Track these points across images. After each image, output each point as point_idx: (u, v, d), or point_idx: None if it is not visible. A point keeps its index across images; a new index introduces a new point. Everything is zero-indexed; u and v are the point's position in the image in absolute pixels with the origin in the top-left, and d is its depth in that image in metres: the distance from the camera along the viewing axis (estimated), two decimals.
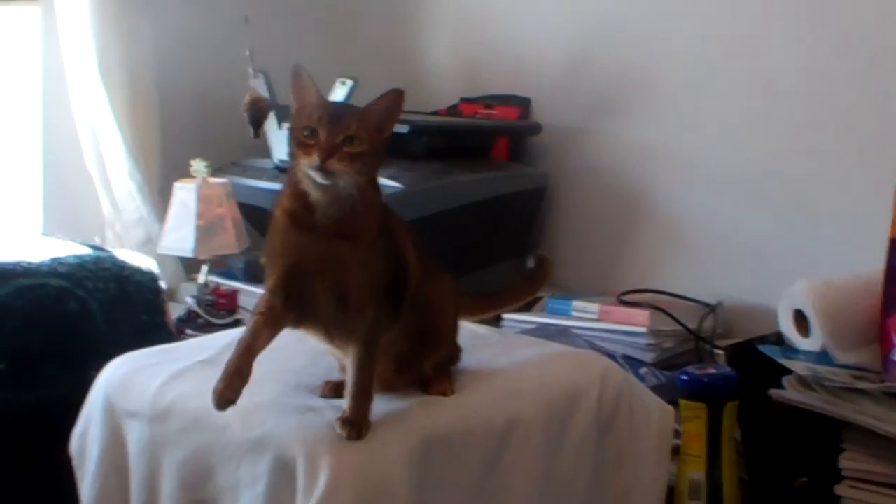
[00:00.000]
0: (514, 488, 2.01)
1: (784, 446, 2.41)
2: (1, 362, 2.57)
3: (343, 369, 2.02)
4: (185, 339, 2.87)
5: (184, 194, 3.05)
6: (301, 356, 2.11)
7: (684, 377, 2.39)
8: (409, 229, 2.02)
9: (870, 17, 2.80)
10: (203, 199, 3.04)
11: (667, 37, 3.23)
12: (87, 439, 2.18)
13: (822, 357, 2.43)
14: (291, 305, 1.86)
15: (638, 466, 2.19)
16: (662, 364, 2.82)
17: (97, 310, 2.64)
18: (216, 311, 3.06)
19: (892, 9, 2.75)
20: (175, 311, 2.96)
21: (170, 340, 2.67)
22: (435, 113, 3.61)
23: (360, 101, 1.89)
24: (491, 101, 3.62)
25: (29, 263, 2.61)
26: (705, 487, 2.34)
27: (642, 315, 2.87)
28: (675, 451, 2.35)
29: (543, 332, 2.80)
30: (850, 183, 2.85)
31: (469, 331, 2.22)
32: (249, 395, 1.91)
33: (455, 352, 2.13)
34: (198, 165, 3.07)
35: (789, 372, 2.36)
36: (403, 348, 2.00)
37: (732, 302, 3.04)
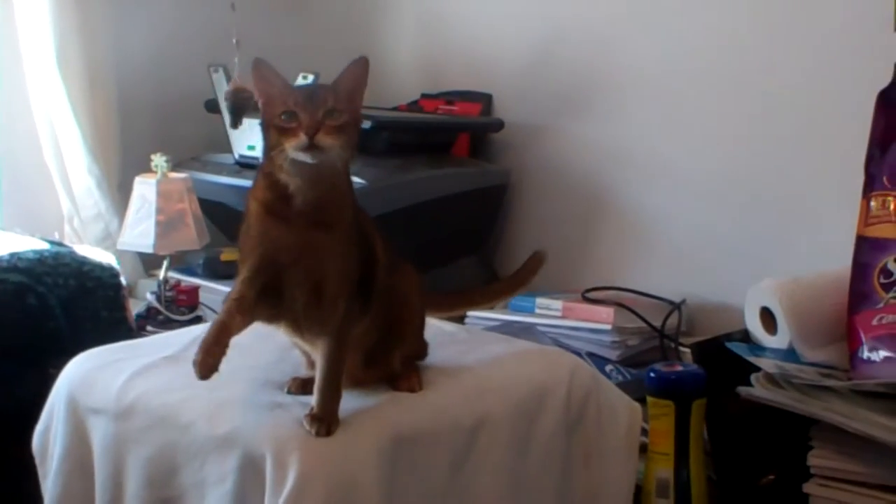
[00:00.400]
0: (482, 486, 2.00)
1: (751, 444, 2.41)
2: None
3: (311, 365, 2.00)
4: (145, 335, 2.84)
5: (144, 189, 3.02)
6: (268, 353, 2.09)
7: (652, 374, 2.38)
8: (374, 222, 2.01)
9: (836, 15, 2.79)
10: (163, 195, 3.01)
11: (630, 34, 3.22)
12: (49, 437, 2.15)
13: (789, 355, 2.42)
14: (264, 298, 1.84)
15: (606, 464, 2.18)
16: (627, 361, 2.82)
17: (57, 306, 2.61)
18: (177, 307, 3.03)
19: (857, 8, 2.74)
20: (134, 308, 2.92)
21: (130, 337, 2.65)
22: (395, 109, 3.59)
23: None
24: (452, 97, 3.60)
25: None
26: (673, 485, 2.33)
27: (606, 312, 2.86)
28: (643, 449, 2.33)
29: (508, 329, 2.78)
30: (816, 181, 2.85)
31: (435, 327, 2.21)
32: (215, 391, 1.90)
33: (422, 347, 2.12)
34: (158, 160, 3.03)
35: (755, 369, 2.35)
36: (371, 342, 1.98)
37: (696, 300, 3.03)
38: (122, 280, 2.77)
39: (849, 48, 2.77)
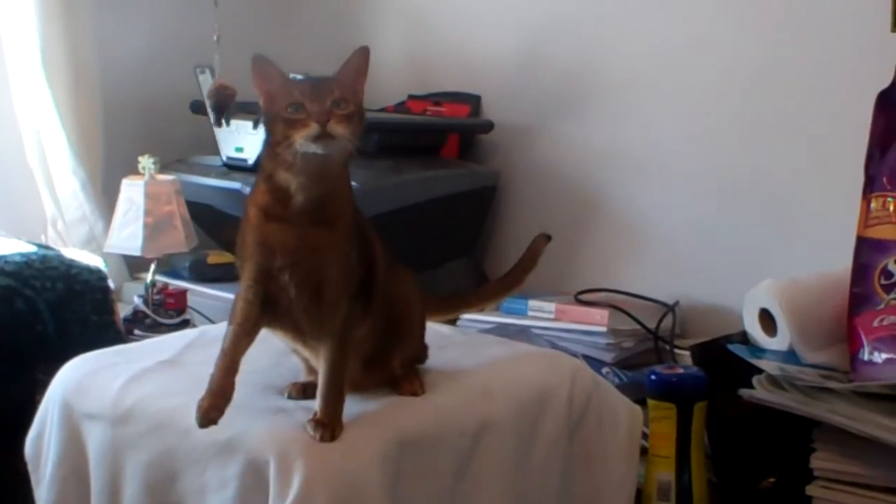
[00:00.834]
0: (485, 489, 1.97)
1: (751, 447, 2.39)
2: None
3: (309, 371, 1.98)
4: (133, 339, 2.81)
5: (131, 191, 2.99)
6: (265, 357, 2.06)
7: (653, 377, 2.36)
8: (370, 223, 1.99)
9: (835, 15, 2.78)
10: (151, 197, 2.97)
11: (620, 33, 3.20)
12: (42, 442, 2.11)
13: (789, 356, 2.40)
14: (265, 305, 1.82)
15: (608, 467, 2.17)
16: (621, 364, 2.80)
17: (45, 309, 2.58)
18: (164, 311, 2.99)
19: (857, 8, 2.73)
20: (121, 311, 2.89)
21: (119, 340, 2.62)
22: (383, 110, 3.56)
23: None
24: (440, 98, 3.57)
25: None
26: (674, 488, 2.31)
27: (601, 314, 2.83)
28: (643, 452, 2.31)
29: (502, 331, 2.76)
30: (813, 181, 2.84)
31: (432, 330, 2.17)
32: None
33: (423, 350, 2.10)
34: (145, 162, 3.00)
35: (755, 371, 2.33)
36: (372, 346, 1.96)
37: (689, 301, 3.01)
38: (111, 283, 2.73)
39: (848, 48, 2.76)
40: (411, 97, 3.62)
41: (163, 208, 2.99)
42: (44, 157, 3.25)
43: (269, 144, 1.78)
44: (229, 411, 1.85)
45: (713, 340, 2.57)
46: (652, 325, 2.87)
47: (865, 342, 2.30)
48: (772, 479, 2.38)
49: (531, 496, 2.06)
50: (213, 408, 1.77)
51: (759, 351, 2.45)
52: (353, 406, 1.87)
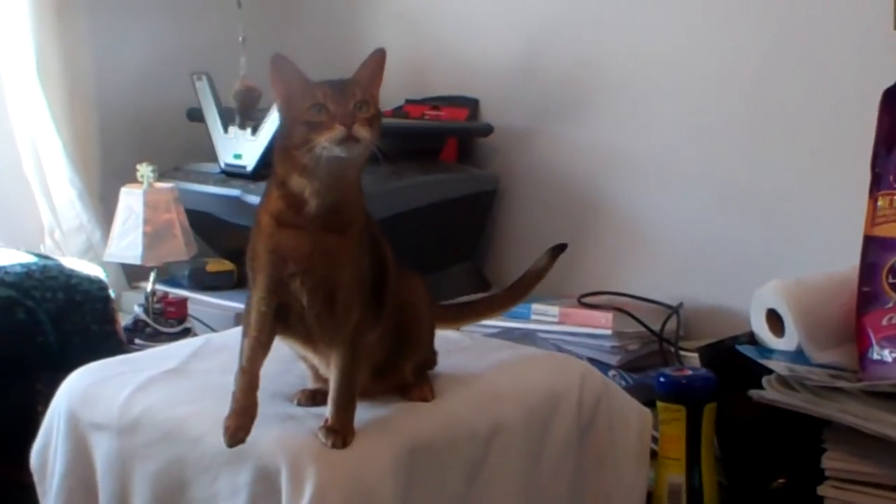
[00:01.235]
0: (497, 492, 1.97)
1: (762, 448, 2.37)
2: None
3: (318, 377, 1.97)
4: (134, 348, 2.79)
5: (130, 200, 2.96)
6: (272, 363, 2.02)
7: (662, 379, 2.34)
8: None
9: (838, 13, 2.76)
10: (150, 205, 2.95)
11: (619, 35, 3.19)
12: (48, 454, 2.08)
13: (797, 357, 2.39)
14: (277, 313, 1.80)
15: (618, 470, 2.16)
16: (627, 367, 2.78)
17: (46, 320, 2.56)
18: (165, 319, 2.97)
19: (861, 6, 2.71)
20: (122, 321, 2.86)
21: (120, 350, 2.60)
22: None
23: None
24: (437, 102, 3.55)
25: None
26: (685, 491, 2.30)
27: (605, 317, 2.82)
28: (653, 455, 2.30)
29: (508, 336, 2.75)
30: (819, 180, 2.82)
31: (440, 335, 2.16)
32: (223, 404, 1.85)
33: (432, 356, 2.08)
34: (144, 170, 2.98)
35: (764, 372, 2.32)
36: (383, 352, 1.94)
37: (693, 303, 2.99)
38: (111, 293, 2.71)
39: (850, 47, 2.75)
40: (409, 101, 3.60)
41: (162, 216, 2.96)
42: (40, 167, 3.22)
43: (285, 148, 1.75)
44: None
45: (721, 341, 2.56)
46: (656, 327, 2.85)
47: (874, 341, 2.29)
48: (782, 480, 2.36)
49: (542, 498, 2.05)
50: (239, 428, 1.76)
51: (767, 352, 2.44)
52: (363, 413, 1.86)
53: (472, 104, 3.50)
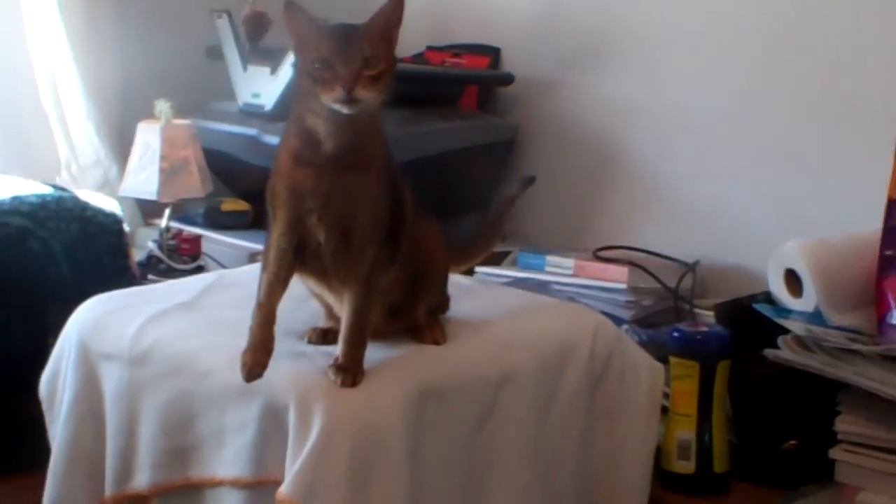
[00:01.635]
0: (506, 440, 1.96)
1: (774, 408, 2.35)
2: None
3: (331, 316, 1.96)
4: (147, 283, 2.78)
5: (148, 135, 2.95)
6: (285, 301, 2.00)
7: (676, 334, 2.31)
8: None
9: None
10: (167, 141, 2.94)
11: None
12: (57, 382, 2.08)
13: (815, 318, 2.36)
14: (295, 250, 1.80)
15: (628, 423, 2.15)
16: (640, 322, 2.75)
17: (59, 251, 2.55)
18: (179, 256, 2.96)
19: None
20: (136, 256, 2.85)
21: (133, 284, 2.60)
22: (400, 61, 3.50)
23: None
24: (459, 49, 3.53)
25: None
26: (695, 448, 2.27)
27: (620, 271, 2.79)
28: (664, 411, 2.28)
29: (521, 286, 2.71)
30: (843, 139, 2.78)
31: (453, 281, 2.14)
32: (234, 339, 1.84)
33: (445, 300, 2.07)
34: (162, 106, 2.96)
35: (780, 332, 2.29)
36: (397, 295, 1.93)
37: (709, 261, 2.96)
38: (126, 227, 2.70)
39: (879, 2, 2.70)
40: (430, 48, 3.58)
41: (179, 153, 2.95)
42: (58, 100, 3.21)
43: (299, 89, 1.74)
44: None
45: (738, 299, 2.53)
46: (672, 283, 2.82)
47: (894, 305, 2.27)
48: (794, 442, 2.34)
49: (551, 449, 2.04)
50: (256, 364, 1.75)
51: (784, 311, 2.41)
52: (374, 353, 1.85)
53: (493, 53, 3.47)
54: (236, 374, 1.78)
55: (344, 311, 1.82)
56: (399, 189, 1.88)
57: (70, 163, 3.24)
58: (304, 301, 2.01)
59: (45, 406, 2.11)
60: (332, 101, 1.68)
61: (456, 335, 2.00)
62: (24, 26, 3.17)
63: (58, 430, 2.05)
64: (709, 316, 2.61)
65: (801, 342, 2.22)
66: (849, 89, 2.75)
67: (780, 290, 2.48)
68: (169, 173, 2.93)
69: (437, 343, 1.95)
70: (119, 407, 1.96)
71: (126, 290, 2.22)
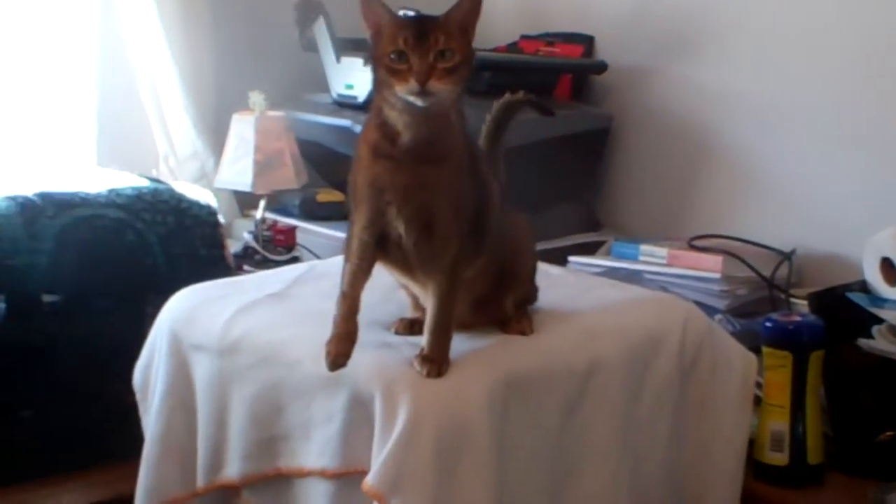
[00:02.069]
0: (593, 432, 1.95)
1: (869, 399, 2.32)
2: (55, 294, 2.52)
3: (417, 307, 1.96)
4: (242, 274, 2.79)
5: (242, 127, 2.98)
6: (372, 292, 2.01)
7: (769, 324, 2.29)
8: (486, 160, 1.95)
9: None
10: (261, 133, 2.97)
11: None
12: (150, 373, 2.12)
13: None
14: (378, 241, 1.81)
15: (719, 414, 2.13)
16: (735, 312, 2.73)
17: (155, 242, 2.57)
18: (274, 247, 2.98)
19: None
20: (231, 247, 2.87)
21: (228, 275, 2.60)
22: (494, 50, 3.51)
23: None
24: (552, 38, 3.51)
25: (87, 194, 2.54)
26: (788, 439, 2.25)
27: (714, 260, 2.76)
28: (757, 402, 2.26)
29: (613, 275, 2.69)
30: None
31: (542, 271, 2.14)
32: (321, 330, 1.86)
33: (533, 291, 2.06)
34: (256, 98, 2.99)
35: (875, 321, 2.26)
36: (484, 287, 1.93)
37: (806, 249, 2.92)
38: (221, 218, 2.73)
39: None
40: (524, 37, 3.57)
41: (273, 144, 2.98)
42: (156, 95, 3.25)
43: (377, 81, 1.75)
44: None
45: (832, 288, 2.50)
46: (767, 272, 2.79)
47: None
48: (890, 433, 2.30)
49: (640, 440, 2.03)
50: (340, 353, 1.77)
51: (879, 300, 2.38)
52: (460, 344, 1.85)
53: (587, 41, 3.45)
54: (323, 365, 1.79)
55: (428, 302, 1.83)
56: (483, 180, 1.88)
57: (168, 155, 3.28)
58: (391, 291, 2.02)
59: (138, 397, 2.14)
60: (406, 92, 1.68)
61: (543, 325, 1.99)
62: (121, 22, 3.22)
63: (150, 421, 2.08)
64: (804, 305, 2.58)
65: None
66: None
67: (875, 279, 2.45)
68: (263, 165, 2.95)
69: (523, 334, 1.95)
70: (209, 397, 1.99)
71: (217, 281, 2.25)
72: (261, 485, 1.95)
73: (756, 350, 2.27)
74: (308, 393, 1.85)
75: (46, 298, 2.52)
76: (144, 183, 2.69)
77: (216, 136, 3.24)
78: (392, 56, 1.69)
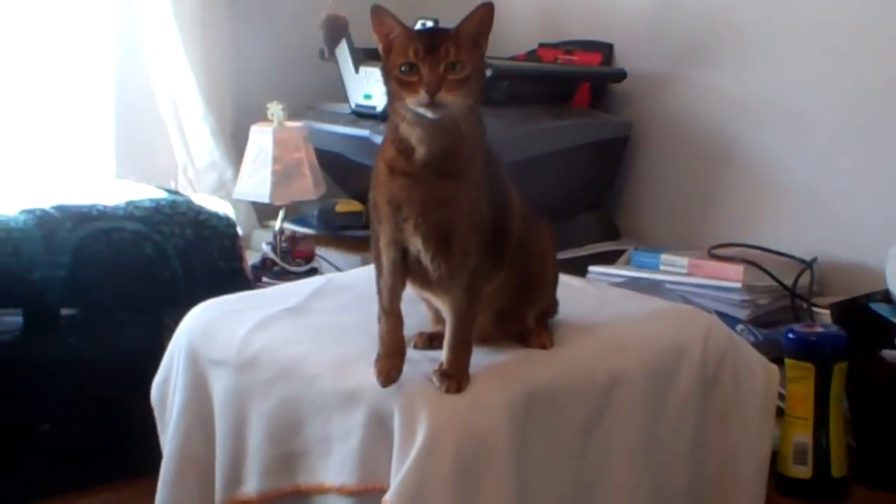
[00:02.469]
0: (615, 446, 1.93)
1: (894, 411, 2.29)
2: (74, 307, 2.51)
3: (438, 320, 1.94)
4: (261, 286, 2.79)
5: (260, 138, 2.97)
6: None
7: (791, 335, 2.28)
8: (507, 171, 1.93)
9: None
10: (280, 144, 2.96)
11: None
12: (168, 388, 2.10)
13: None
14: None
15: (742, 426, 2.10)
16: (756, 321, 2.71)
17: (173, 255, 2.58)
18: (293, 258, 2.97)
19: None
20: (249, 259, 2.87)
21: (247, 288, 2.60)
22: (513, 58, 3.49)
23: None
24: (571, 46, 3.50)
25: (105, 207, 2.55)
26: (811, 451, 2.23)
27: (735, 270, 2.75)
28: (779, 413, 2.24)
29: (634, 285, 2.68)
30: None
31: (561, 282, 2.11)
32: (340, 345, 1.86)
33: (554, 304, 2.04)
34: (274, 108, 2.98)
35: None
36: (506, 301, 1.90)
37: (827, 258, 2.91)
38: (239, 230, 2.72)
39: None
40: (542, 45, 3.55)
41: (291, 155, 2.97)
42: (174, 105, 3.25)
43: (388, 93, 1.74)
44: (354, 360, 1.84)
45: (854, 298, 2.48)
46: (788, 281, 2.77)
47: None
48: None
49: (662, 453, 2.00)
50: (392, 368, 1.76)
51: None
52: (480, 358, 1.83)
53: (605, 49, 3.44)
54: (342, 380, 1.79)
55: (447, 317, 1.81)
56: (504, 194, 1.85)
57: (186, 166, 3.28)
58: (410, 305, 2.00)
59: (156, 412, 2.12)
60: (416, 104, 1.67)
61: (564, 339, 1.97)
62: (139, 32, 3.22)
63: (168, 436, 2.07)
64: (826, 315, 2.56)
65: None
66: None
67: None
68: (282, 176, 2.94)
69: (543, 347, 1.93)
70: (227, 412, 1.97)
71: (235, 294, 2.23)
72: (279, 501, 1.92)
73: (778, 360, 2.25)
74: (327, 408, 1.83)
75: (64, 312, 2.51)
76: (162, 195, 2.69)
77: (234, 147, 3.24)
78: (402, 68, 1.68)
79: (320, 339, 1.94)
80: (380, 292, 1.81)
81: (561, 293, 2.06)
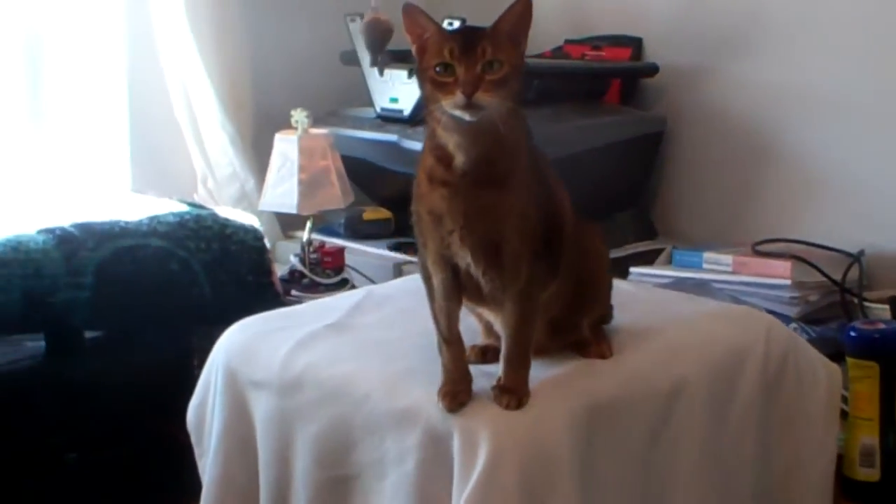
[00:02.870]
0: (681, 454, 1.86)
1: None
2: (98, 329, 2.44)
3: (490, 332, 1.86)
4: (291, 300, 2.71)
5: (285, 147, 2.90)
6: None
7: (853, 333, 2.19)
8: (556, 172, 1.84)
9: None
10: (305, 152, 2.88)
11: None
12: (205, 412, 2.02)
13: None
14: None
15: (807, 429, 2.03)
16: (806, 319, 2.62)
17: (200, 271, 2.50)
18: (322, 270, 2.89)
19: None
20: (277, 272, 2.78)
21: (277, 302, 2.55)
22: (539, 56, 3.40)
23: None
24: (598, 42, 3.41)
25: (126, 223, 2.48)
26: (879, 453, 2.14)
27: (783, 266, 2.66)
28: (843, 415, 2.15)
29: (680, 286, 2.59)
30: None
31: (615, 287, 2.02)
32: (389, 361, 1.79)
33: (609, 310, 1.96)
34: (298, 116, 2.91)
35: None
36: (560, 308, 1.82)
37: (874, 251, 2.82)
38: (267, 242, 2.63)
39: None
40: (568, 42, 3.47)
41: (318, 163, 2.90)
42: (191, 111, 3.17)
43: (424, 97, 1.65)
44: (406, 377, 1.78)
45: None
46: (836, 276, 2.68)
47: None
48: None
49: (727, 461, 1.94)
50: (459, 391, 1.70)
51: None
52: (538, 371, 1.75)
53: (634, 43, 3.35)
54: (394, 399, 1.72)
55: (503, 330, 1.72)
56: (554, 198, 1.77)
57: (206, 177, 3.20)
58: (461, 317, 1.91)
59: (193, 438, 2.04)
60: (452, 107, 1.58)
61: (623, 346, 1.89)
62: (154, 36, 3.14)
63: (208, 463, 1.98)
64: (880, 309, 2.49)
65: None
66: None
67: None
68: (308, 185, 2.87)
69: (603, 357, 1.85)
70: (271, 438, 1.88)
71: (272, 311, 2.14)
72: None
73: (833, 358, 2.17)
74: (379, 430, 1.75)
75: (89, 335, 2.46)
76: (185, 208, 2.61)
77: (256, 155, 3.16)
78: (437, 69, 1.60)
79: (367, 357, 1.85)
80: (435, 319, 1.73)
81: (614, 298, 1.98)
